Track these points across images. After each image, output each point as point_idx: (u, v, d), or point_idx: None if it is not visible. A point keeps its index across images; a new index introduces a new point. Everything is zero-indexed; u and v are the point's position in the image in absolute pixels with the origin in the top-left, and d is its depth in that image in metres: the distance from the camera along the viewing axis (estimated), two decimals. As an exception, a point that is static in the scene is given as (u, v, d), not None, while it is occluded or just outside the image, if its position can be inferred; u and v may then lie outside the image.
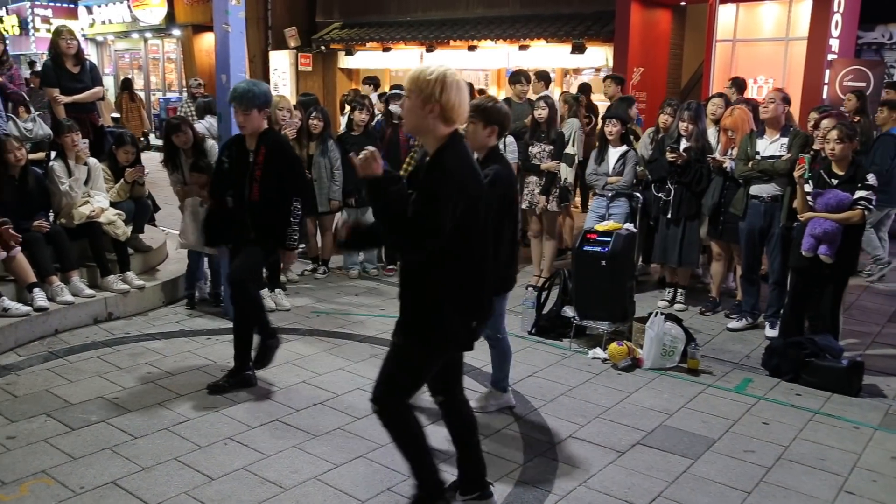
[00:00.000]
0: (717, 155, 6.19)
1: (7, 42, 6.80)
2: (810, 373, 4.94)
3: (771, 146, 5.71)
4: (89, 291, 5.85)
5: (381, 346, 5.50)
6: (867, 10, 10.84)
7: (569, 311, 5.72)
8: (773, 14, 11.38)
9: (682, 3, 12.67)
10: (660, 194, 6.43)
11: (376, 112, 8.07)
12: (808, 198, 5.13)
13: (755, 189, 5.76)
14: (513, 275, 4.24)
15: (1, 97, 6.17)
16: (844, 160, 5.04)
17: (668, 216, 6.36)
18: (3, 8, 25.21)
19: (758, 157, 5.72)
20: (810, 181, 5.12)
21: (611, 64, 12.24)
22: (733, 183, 6.00)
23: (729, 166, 6.00)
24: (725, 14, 11.33)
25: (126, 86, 16.05)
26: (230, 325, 5.76)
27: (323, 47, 16.53)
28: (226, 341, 5.41)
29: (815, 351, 4.98)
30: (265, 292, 6.29)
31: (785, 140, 5.67)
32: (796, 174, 5.18)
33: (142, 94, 21.71)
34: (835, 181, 5.07)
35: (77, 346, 5.33)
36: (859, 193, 4.96)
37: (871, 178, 5.01)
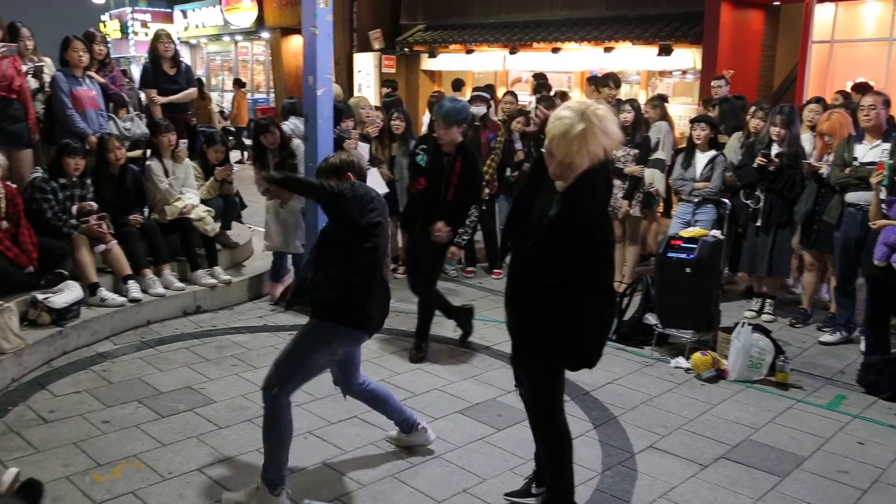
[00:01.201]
0: (812, 160, 5.95)
1: (109, 45, 7.11)
2: (911, 392, 4.69)
3: (871, 152, 5.44)
4: (179, 284, 6.07)
5: (459, 348, 5.52)
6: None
7: (651, 319, 5.60)
8: (875, 13, 10.86)
9: (776, 3, 12.25)
10: (749, 201, 6.22)
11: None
12: (883, 205, 4.88)
13: (852, 197, 5.50)
14: None
15: (103, 98, 6.46)
16: None
17: (758, 223, 6.15)
18: (107, 13, 26.46)
19: (856, 163, 5.46)
20: (885, 188, 4.88)
21: (699, 66, 11.93)
22: (828, 190, 5.76)
23: (825, 172, 5.76)
24: (823, 14, 10.89)
25: (198, 84, 16.67)
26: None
27: (406, 49, 16.69)
28: (308, 337, 5.52)
29: (916, 369, 4.73)
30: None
31: (887, 146, 5.38)
32: (873, 180, 4.94)
33: (231, 95, 22.46)
34: None
35: (167, 336, 5.54)
36: None
37: None
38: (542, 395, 3.19)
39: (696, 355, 5.14)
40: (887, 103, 5.54)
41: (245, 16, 19.94)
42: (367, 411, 4.36)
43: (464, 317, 5.64)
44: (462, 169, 5.09)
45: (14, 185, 5.48)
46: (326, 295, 3.31)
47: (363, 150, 6.73)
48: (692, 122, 6.73)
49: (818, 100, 6.81)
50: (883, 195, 4.90)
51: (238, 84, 17.96)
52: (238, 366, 5.02)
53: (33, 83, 6.21)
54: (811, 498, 3.63)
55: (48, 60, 6.63)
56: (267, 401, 3.30)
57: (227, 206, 6.73)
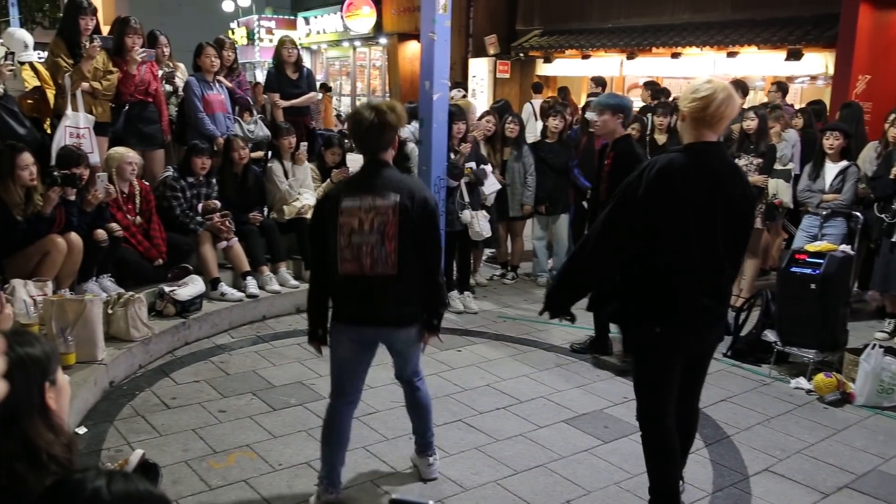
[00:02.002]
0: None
1: (237, 51, 7.44)
2: None
3: None
4: (294, 282, 6.27)
5: (567, 356, 5.44)
6: None
7: (770, 336, 5.34)
8: None
9: (921, 4, 11.45)
10: (883, 215, 5.84)
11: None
12: None
13: None
14: None
15: (230, 101, 6.76)
16: None
17: (893, 239, 5.75)
18: (235, 21, 27.77)
19: None
20: None
21: (830, 71, 11.32)
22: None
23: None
24: (974, 15, 10.11)
25: (326, 89, 17.20)
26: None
27: (521, 55, 16.66)
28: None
29: None
30: (454, 294, 6.43)
31: None
32: None
33: (347, 99, 23.11)
34: None
35: (281, 332, 5.73)
36: None
37: None
38: None
39: (820, 376, 4.85)
40: None
41: (364, 22, 20.43)
42: (472, 415, 4.38)
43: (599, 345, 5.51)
44: (613, 166, 4.87)
45: (147, 183, 5.83)
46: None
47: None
48: (823, 130, 6.37)
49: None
50: None
51: (324, 88, 17.93)
52: (347, 363, 5.12)
53: (168, 87, 6.58)
54: (947, 537, 3.37)
55: (182, 66, 7.02)
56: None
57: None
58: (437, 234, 3.37)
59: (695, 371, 3.25)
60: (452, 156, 6.21)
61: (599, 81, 10.96)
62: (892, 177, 5.63)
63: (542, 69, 16.71)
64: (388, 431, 4.13)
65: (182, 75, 6.83)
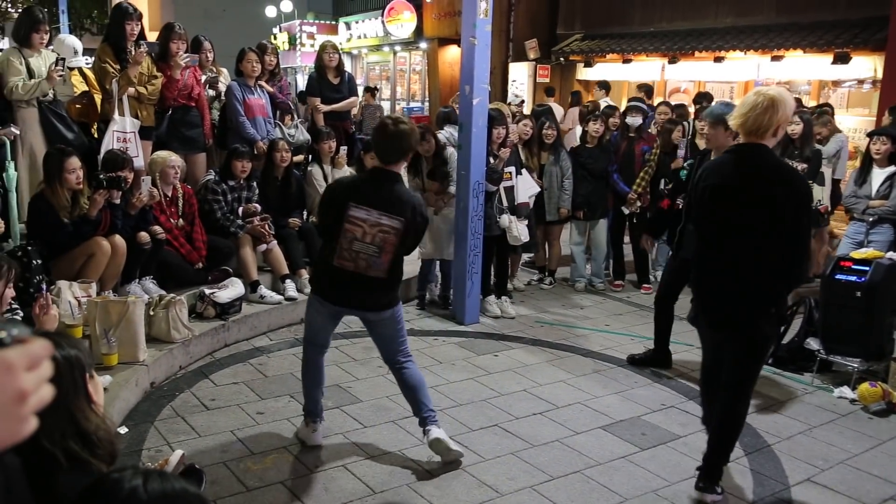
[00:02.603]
0: None
1: (279, 56, 7.53)
2: None
3: None
4: (333, 286, 6.31)
5: (604, 362, 5.40)
6: None
7: (813, 344, 5.24)
8: None
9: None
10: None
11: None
12: None
13: None
14: None
15: (271, 106, 6.85)
16: None
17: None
18: (278, 26, 28.14)
19: None
20: None
21: (879, 75, 11.06)
22: None
23: None
24: None
25: (371, 92, 17.23)
26: (457, 327, 6.00)
27: (562, 59, 16.58)
28: (452, 343, 5.59)
29: None
30: (491, 299, 6.42)
31: None
32: None
33: (387, 104, 23.21)
34: None
35: (319, 335, 5.77)
36: None
37: None
38: None
39: (864, 386, 4.74)
40: None
41: (405, 27, 20.55)
42: (508, 420, 4.36)
43: (657, 358, 5.41)
44: None
45: (190, 187, 5.93)
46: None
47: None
48: (870, 134, 6.24)
49: None
50: None
51: (370, 91, 17.84)
52: (384, 367, 5.03)
53: (210, 92, 6.70)
54: None
55: (225, 71, 7.13)
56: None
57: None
58: (420, 238, 3.90)
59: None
60: (492, 160, 6.20)
61: (644, 88, 10.85)
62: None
63: (583, 73, 16.61)
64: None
65: (224, 80, 6.94)
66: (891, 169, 5.97)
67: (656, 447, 4.12)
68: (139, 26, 5.87)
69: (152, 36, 6.84)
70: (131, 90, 5.74)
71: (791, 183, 3.36)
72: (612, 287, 7.44)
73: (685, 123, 7.69)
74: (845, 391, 4.88)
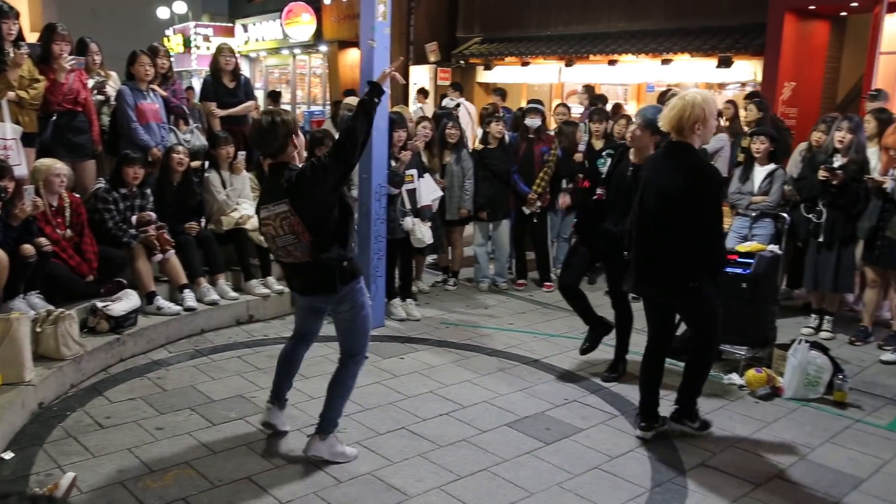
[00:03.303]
0: (876, 175, 5.77)
1: (172, 59, 7.31)
2: (979, 415, 4.50)
3: (938, 166, 5.25)
4: (233, 294, 6.18)
5: (509, 360, 5.49)
6: None
7: (705, 335, 5.48)
8: (946, 23, 10.47)
9: (843, 14, 11.92)
10: (810, 215, 6.05)
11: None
12: None
13: (918, 212, 5.32)
14: None
15: (165, 110, 6.64)
16: None
17: (820, 239, 5.97)
18: (171, 28, 27.26)
19: (922, 177, 5.28)
20: None
21: (759, 78, 11.69)
22: (893, 205, 5.57)
23: (889, 187, 5.57)
24: (893, 24, 10.54)
25: (275, 98, 16.87)
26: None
27: (462, 62, 16.76)
28: (357, 348, 5.56)
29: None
30: (396, 301, 6.43)
31: (955, 160, 5.20)
32: None
33: (287, 108, 22.82)
34: None
35: (220, 345, 5.64)
36: None
37: None
38: None
39: (751, 372, 5.01)
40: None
41: (304, 29, 20.28)
42: (415, 422, 4.38)
43: (599, 331, 5.40)
44: None
45: (78, 196, 5.68)
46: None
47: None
48: (751, 134, 6.59)
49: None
50: None
51: (272, 97, 17.43)
52: (289, 375, 5.07)
53: (99, 97, 6.43)
54: (871, 524, 3.51)
55: (114, 74, 6.86)
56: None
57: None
58: (323, 193, 3.62)
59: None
60: (393, 163, 6.21)
61: (589, 90, 10.65)
62: (820, 178, 5.82)
63: (483, 76, 16.84)
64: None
65: (114, 84, 6.68)
66: (771, 166, 6.32)
67: (560, 441, 4.22)
68: (17, 25, 5.56)
69: (33, 37, 6.50)
70: (11, 94, 5.44)
71: (703, 175, 3.96)
72: (516, 286, 7.58)
73: (584, 124, 7.92)
74: (734, 378, 5.13)
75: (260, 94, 22.83)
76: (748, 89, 12.61)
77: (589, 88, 10.38)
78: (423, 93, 12.69)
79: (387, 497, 3.60)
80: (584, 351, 5.39)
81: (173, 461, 3.86)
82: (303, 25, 20.23)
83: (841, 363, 5.05)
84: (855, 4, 11.22)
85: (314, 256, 3.65)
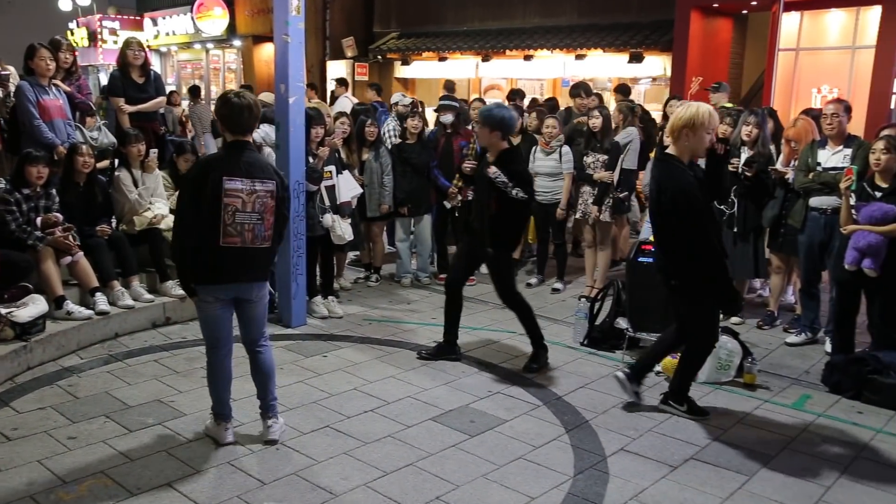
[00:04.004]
0: (779, 166, 6.04)
1: (77, 53, 7.01)
2: (873, 390, 4.77)
3: (833, 157, 5.53)
4: (148, 296, 6.00)
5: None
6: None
7: (622, 323, 5.64)
8: (840, 22, 11.08)
9: (744, 12, 12.43)
10: (722, 206, 6.28)
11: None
12: (853, 210, 4.97)
13: (815, 201, 5.59)
14: None
15: (70, 106, 6.38)
16: (889, 172, 4.88)
17: (735, 230, 6.21)
18: (74, 21, 26.14)
19: (819, 168, 5.56)
20: (853, 193, 4.97)
21: (668, 73, 12.08)
22: (794, 195, 5.85)
23: (790, 177, 5.85)
24: (789, 22, 11.07)
25: (194, 93, 16.39)
26: (283, 330, 5.90)
27: (379, 57, 16.71)
28: (279, 347, 5.48)
29: (878, 367, 4.81)
30: (318, 299, 6.37)
31: (848, 151, 5.48)
32: (842, 185, 5.02)
33: (203, 103, 22.23)
34: (878, 193, 4.91)
35: (136, 349, 5.47)
36: None
37: None
38: None
39: (667, 359, 5.17)
40: (849, 110, 5.64)
41: (216, 24, 19.82)
42: (340, 420, 4.36)
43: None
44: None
45: (-23, 197, 5.39)
46: None
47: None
48: (662, 128, 6.79)
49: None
50: (852, 201, 4.98)
51: (193, 92, 16.40)
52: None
53: (-2, 93, 6.13)
54: (777, 496, 3.68)
55: (12, 69, 6.55)
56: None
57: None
58: (289, 208, 4.18)
59: None
60: (311, 160, 6.14)
61: (448, 85, 10.96)
62: (731, 170, 6.05)
63: (400, 71, 16.85)
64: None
65: (14, 79, 6.37)
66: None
67: (484, 433, 4.27)
68: None
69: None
70: None
71: (683, 192, 4.19)
72: (438, 280, 7.60)
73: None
74: (651, 364, 5.29)
75: (171, 90, 22.27)
76: (659, 83, 13.03)
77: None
78: (342, 83, 12.43)
79: (313, 497, 3.57)
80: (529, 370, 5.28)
81: (88, 471, 3.73)
82: (215, 20, 19.77)
83: (750, 347, 5.27)
84: (755, 3, 11.74)
85: (274, 242, 3.91)
